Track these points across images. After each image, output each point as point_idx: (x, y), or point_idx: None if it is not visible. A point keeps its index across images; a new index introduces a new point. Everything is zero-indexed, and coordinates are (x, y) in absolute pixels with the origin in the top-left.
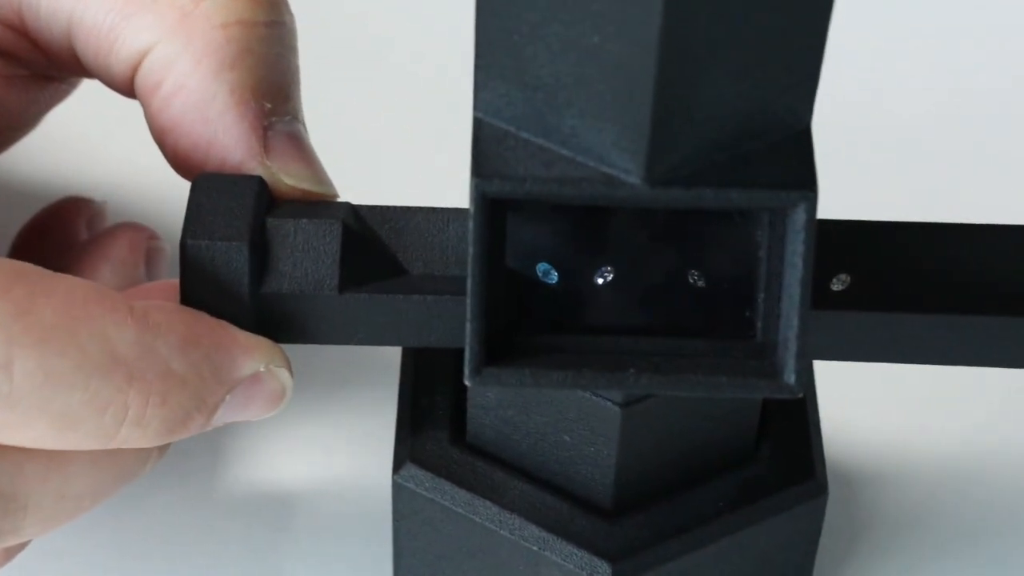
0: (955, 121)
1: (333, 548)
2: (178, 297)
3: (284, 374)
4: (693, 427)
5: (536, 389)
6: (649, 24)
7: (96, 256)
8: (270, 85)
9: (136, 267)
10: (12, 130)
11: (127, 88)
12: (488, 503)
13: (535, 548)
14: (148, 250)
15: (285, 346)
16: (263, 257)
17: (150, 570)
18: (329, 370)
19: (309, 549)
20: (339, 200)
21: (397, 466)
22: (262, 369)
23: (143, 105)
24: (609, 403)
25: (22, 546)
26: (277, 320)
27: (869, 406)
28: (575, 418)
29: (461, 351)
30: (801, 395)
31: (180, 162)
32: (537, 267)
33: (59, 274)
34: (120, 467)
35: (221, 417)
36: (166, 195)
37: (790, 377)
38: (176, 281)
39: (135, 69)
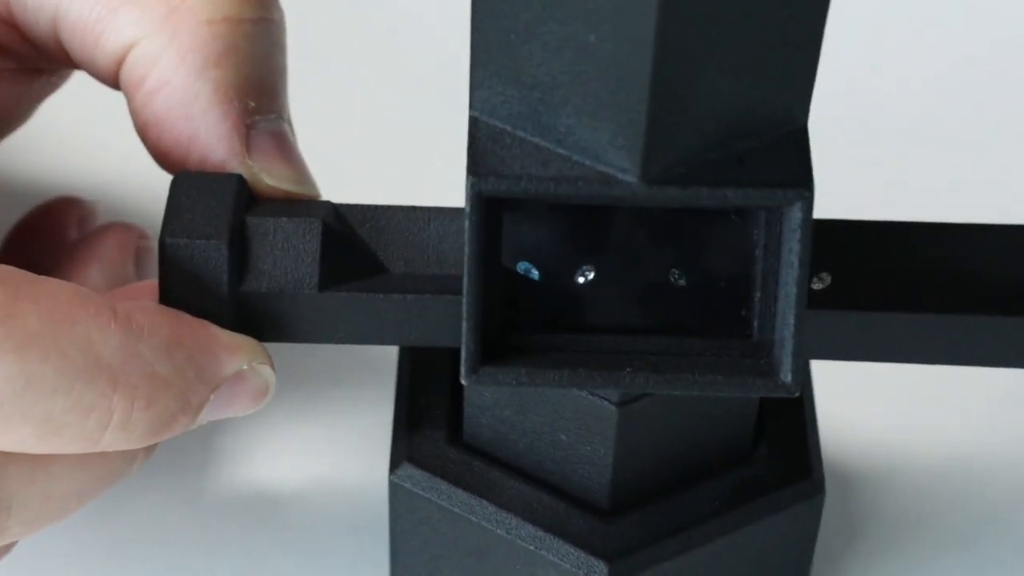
0: (951, 120)
1: (330, 548)
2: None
3: (267, 371)
4: (690, 426)
5: (532, 388)
6: (645, 22)
7: (85, 256)
8: (255, 83)
9: (125, 267)
10: (2, 124)
11: (112, 81)
12: (485, 502)
13: (531, 547)
14: (137, 249)
15: (269, 345)
16: (243, 256)
17: (146, 571)
18: (326, 369)
19: (306, 549)
20: (321, 199)
21: (394, 466)
22: (245, 367)
23: (127, 99)
24: (605, 402)
25: (9, 547)
26: (257, 319)
27: (866, 405)
28: (571, 417)
29: (458, 350)
30: (798, 394)
31: (162, 157)
32: (518, 265)
33: (43, 278)
34: (106, 468)
35: (206, 416)
36: (159, 191)
37: (786, 376)
38: (153, 281)
39: (120, 63)
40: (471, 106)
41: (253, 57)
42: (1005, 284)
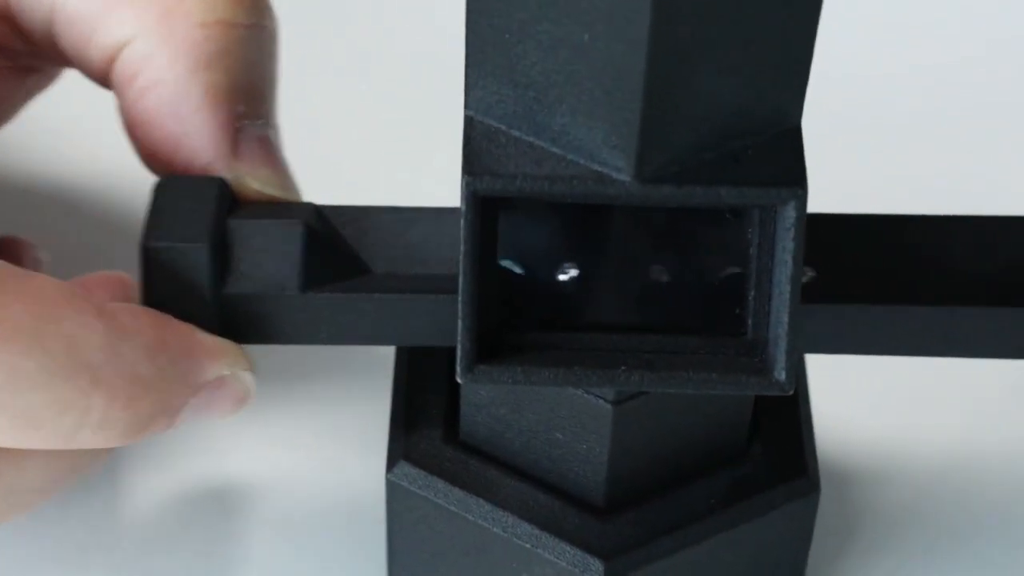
0: (944, 118)
1: (327, 547)
2: (123, 291)
3: (248, 377)
4: (685, 424)
5: (528, 386)
6: (638, 22)
7: None
8: (245, 87)
9: None
10: None
11: (104, 79)
12: (481, 501)
13: (528, 546)
14: (31, 261)
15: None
16: (225, 258)
17: (142, 569)
18: (324, 367)
19: (303, 548)
20: (303, 201)
21: (390, 464)
22: (227, 373)
23: (117, 96)
24: (601, 400)
25: None
26: (240, 321)
27: (861, 403)
28: (567, 416)
29: (454, 349)
30: (792, 392)
31: (148, 156)
32: (501, 261)
33: (31, 273)
34: (74, 462)
35: (184, 419)
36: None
37: (781, 374)
38: (109, 273)
39: (112, 60)
40: (466, 105)
41: (245, 62)
42: (996, 275)
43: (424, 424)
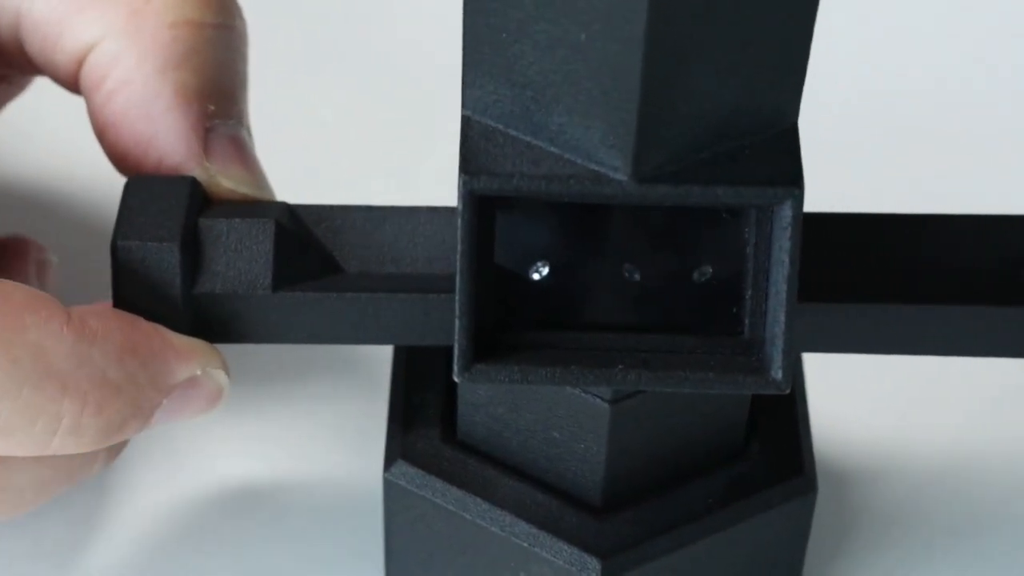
0: (942, 117)
1: (325, 545)
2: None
3: (220, 375)
4: (682, 424)
5: (525, 386)
6: (635, 22)
7: None
8: (216, 87)
9: (27, 281)
10: None
11: (72, 83)
12: (479, 500)
13: (525, 544)
14: (38, 263)
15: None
16: (196, 257)
17: (141, 569)
18: (320, 368)
19: (301, 547)
20: (275, 200)
21: (388, 463)
22: (199, 373)
23: (86, 99)
24: (598, 400)
25: None
26: (211, 320)
27: (859, 402)
28: (564, 415)
29: (451, 348)
30: (788, 391)
31: (119, 158)
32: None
33: None
34: (65, 465)
35: (158, 420)
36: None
37: (777, 373)
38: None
39: (80, 63)
40: (463, 105)
41: (214, 61)
42: (993, 273)
43: (422, 423)
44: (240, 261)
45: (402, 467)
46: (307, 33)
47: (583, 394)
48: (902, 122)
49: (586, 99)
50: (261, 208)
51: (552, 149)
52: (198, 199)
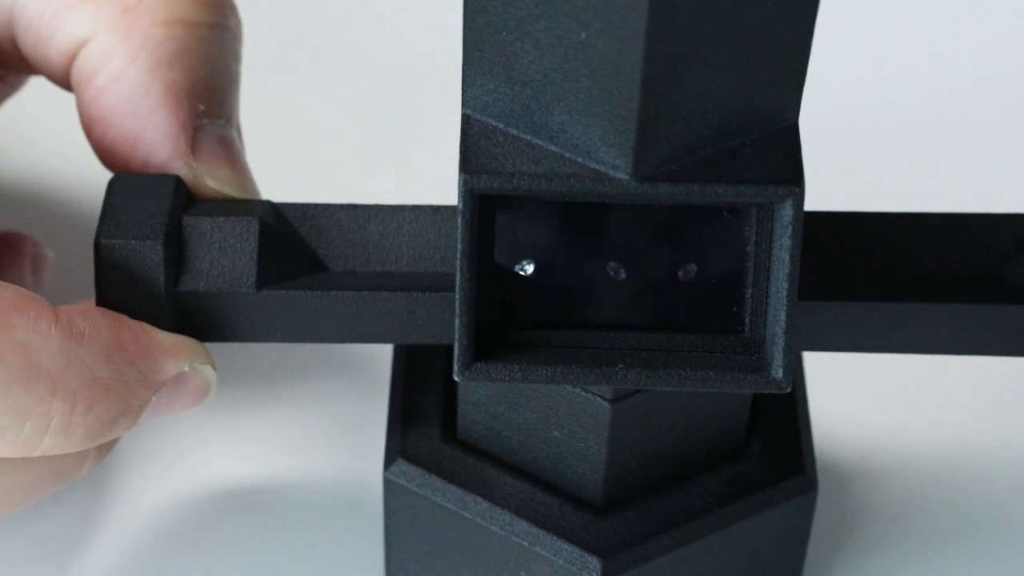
0: (943, 116)
1: (324, 544)
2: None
3: (208, 370)
4: (683, 422)
5: (526, 384)
6: (635, 20)
7: None
8: (206, 87)
9: (21, 276)
10: None
11: (64, 79)
12: (479, 499)
13: (525, 543)
14: (33, 258)
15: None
16: (179, 256)
17: (142, 570)
18: (318, 366)
19: (301, 546)
20: (260, 198)
21: (388, 462)
22: (186, 369)
23: (76, 94)
24: (599, 398)
25: None
26: (196, 318)
27: (859, 401)
28: (565, 414)
29: (451, 347)
30: (789, 390)
31: (106, 154)
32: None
33: None
34: (54, 466)
35: (147, 418)
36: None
37: (778, 372)
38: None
39: (72, 59)
40: (463, 103)
41: (206, 61)
42: (994, 272)
43: (422, 422)
44: (224, 259)
45: (402, 466)
46: (302, 31)
47: (583, 393)
48: (904, 118)
49: (586, 97)
50: (245, 206)
51: (552, 148)
52: (182, 197)
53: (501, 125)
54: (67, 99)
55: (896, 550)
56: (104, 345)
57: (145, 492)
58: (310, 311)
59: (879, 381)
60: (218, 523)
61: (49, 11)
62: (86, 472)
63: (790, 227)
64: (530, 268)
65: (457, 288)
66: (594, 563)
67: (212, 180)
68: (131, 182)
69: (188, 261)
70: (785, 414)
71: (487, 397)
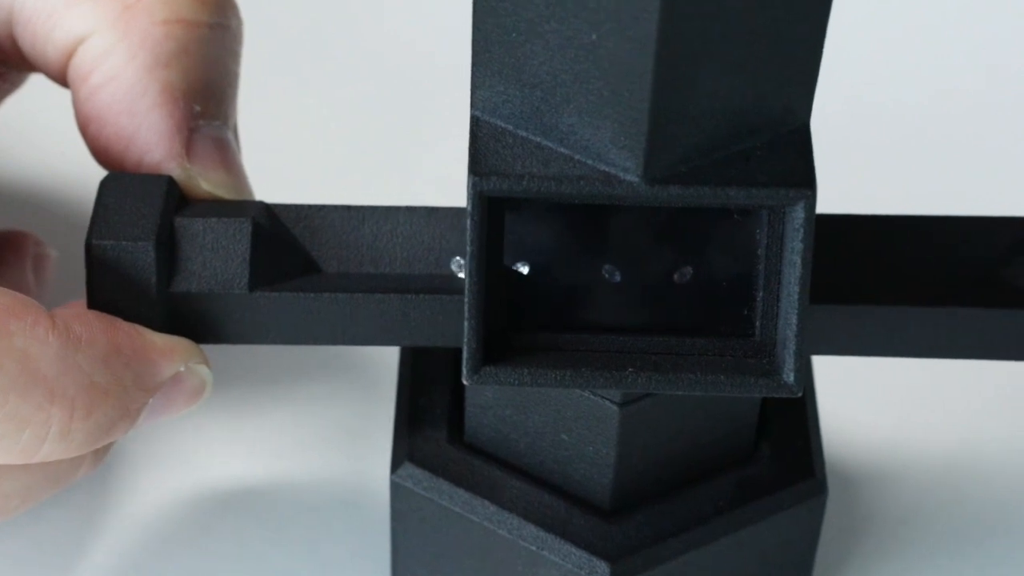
0: (954, 118)
1: (331, 548)
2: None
3: (203, 369)
4: (692, 426)
5: (534, 388)
6: (646, 21)
7: None
8: (204, 87)
9: (23, 275)
10: None
11: (62, 76)
12: (486, 502)
13: (533, 548)
14: (35, 257)
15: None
16: (171, 257)
17: (145, 572)
18: (321, 367)
19: (307, 549)
20: (253, 199)
21: (395, 465)
22: (182, 369)
23: (72, 92)
24: (608, 402)
25: None
26: (188, 320)
27: (869, 405)
28: (573, 417)
29: (459, 349)
30: (800, 394)
31: (101, 152)
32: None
33: None
34: (51, 471)
35: (144, 419)
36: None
37: (789, 376)
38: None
39: (70, 56)
40: (472, 105)
41: (204, 61)
42: (1006, 276)
43: (429, 425)
44: (216, 261)
45: (409, 469)
46: (303, 31)
47: (592, 396)
48: (916, 120)
49: (596, 99)
50: (238, 207)
51: (562, 150)
52: (174, 198)
53: (510, 127)
54: (68, 98)
55: (905, 554)
56: (101, 350)
57: (147, 494)
58: (303, 313)
59: (889, 384)
60: (220, 525)
61: (48, 8)
62: (82, 475)
63: (802, 230)
64: (538, 271)
65: (466, 291)
66: (602, 567)
67: (206, 182)
68: (123, 182)
69: (180, 262)
70: (794, 417)
71: (495, 400)
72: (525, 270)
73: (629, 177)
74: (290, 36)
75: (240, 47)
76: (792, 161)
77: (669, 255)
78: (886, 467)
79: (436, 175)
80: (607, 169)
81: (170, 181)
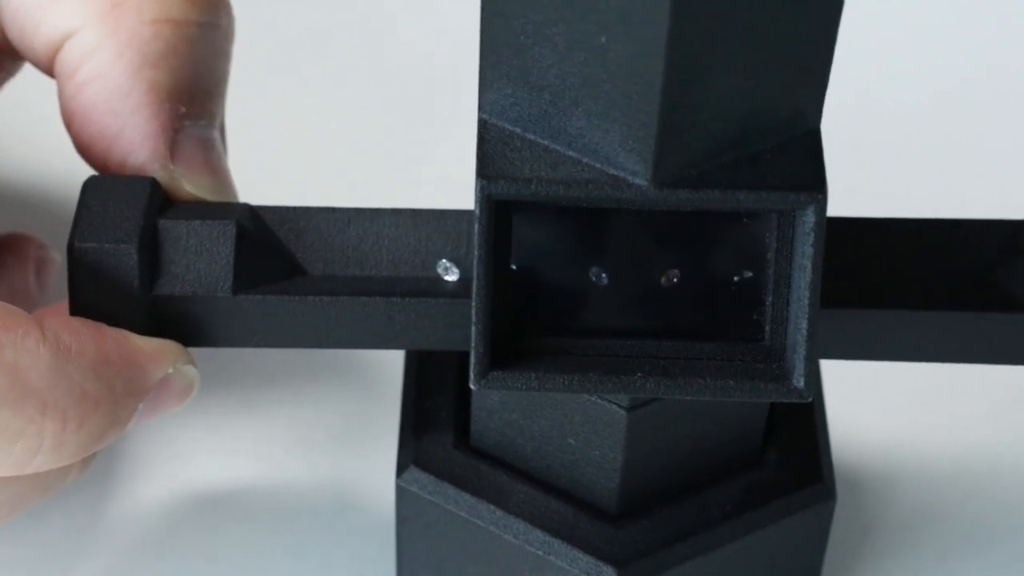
0: (964, 122)
1: (336, 552)
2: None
3: (190, 370)
4: (700, 431)
5: (542, 393)
6: (656, 24)
7: None
8: (190, 88)
9: (25, 278)
10: None
11: (49, 69)
12: (492, 507)
13: (540, 552)
14: (36, 260)
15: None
16: (155, 259)
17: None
18: (321, 369)
19: (312, 553)
20: (237, 201)
21: (400, 470)
22: (170, 371)
23: (58, 87)
24: (615, 407)
25: None
26: (172, 323)
27: (877, 409)
28: (580, 422)
29: (466, 353)
30: (811, 399)
31: (84, 150)
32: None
33: None
34: (39, 480)
35: (134, 424)
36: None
37: (799, 381)
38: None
39: (57, 50)
40: (480, 108)
41: (193, 61)
42: (1017, 280)
43: (434, 429)
44: (200, 263)
45: (414, 473)
46: (298, 30)
47: (599, 401)
48: (927, 123)
49: (605, 102)
50: (222, 209)
51: (570, 153)
52: (158, 200)
53: (518, 130)
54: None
55: (913, 559)
56: (91, 359)
57: (145, 497)
58: (288, 316)
59: (897, 388)
60: (220, 528)
61: (36, 1)
62: (71, 481)
63: (812, 234)
64: (544, 274)
65: (474, 295)
66: (609, 572)
67: (189, 184)
68: (106, 184)
69: (163, 265)
70: (802, 422)
71: (501, 404)
72: (534, 274)
73: (638, 180)
74: (290, 35)
75: (231, 45)
76: (802, 164)
77: (678, 259)
78: (894, 472)
79: (436, 176)
80: (616, 172)
81: (153, 183)
